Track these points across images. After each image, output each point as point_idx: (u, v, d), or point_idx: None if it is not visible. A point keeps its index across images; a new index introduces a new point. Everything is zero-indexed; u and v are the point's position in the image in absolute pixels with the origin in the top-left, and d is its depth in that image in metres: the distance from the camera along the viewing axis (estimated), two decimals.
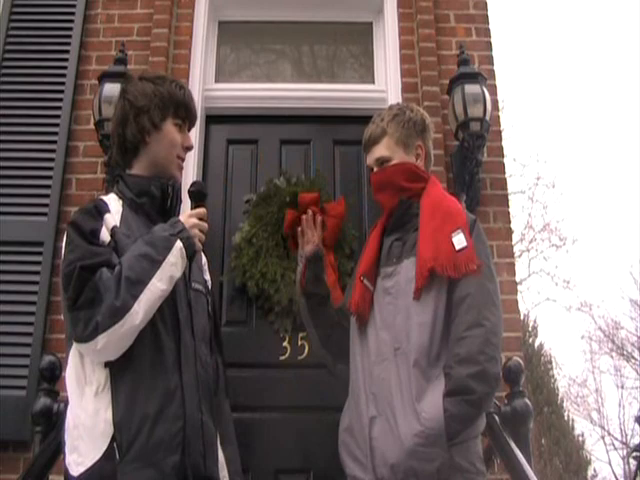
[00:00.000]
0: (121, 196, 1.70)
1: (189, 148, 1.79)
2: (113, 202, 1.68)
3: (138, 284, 1.46)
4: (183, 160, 1.79)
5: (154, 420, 1.45)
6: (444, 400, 1.68)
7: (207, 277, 1.84)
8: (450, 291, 1.79)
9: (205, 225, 1.65)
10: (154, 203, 1.69)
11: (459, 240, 1.81)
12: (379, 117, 2.04)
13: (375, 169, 2.01)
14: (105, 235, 1.56)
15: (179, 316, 1.58)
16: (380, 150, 2.00)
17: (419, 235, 1.86)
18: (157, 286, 1.48)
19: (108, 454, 1.42)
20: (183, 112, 1.75)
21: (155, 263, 1.49)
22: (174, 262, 1.52)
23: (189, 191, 1.71)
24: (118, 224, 1.60)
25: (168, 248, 1.52)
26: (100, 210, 1.61)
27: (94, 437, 1.44)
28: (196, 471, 1.50)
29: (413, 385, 1.72)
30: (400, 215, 1.96)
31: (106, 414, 1.44)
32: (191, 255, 1.59)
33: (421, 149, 2.04)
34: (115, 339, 1.44)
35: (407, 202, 1.96)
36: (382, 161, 1.99)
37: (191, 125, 1.82)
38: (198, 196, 1.70)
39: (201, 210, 1.67)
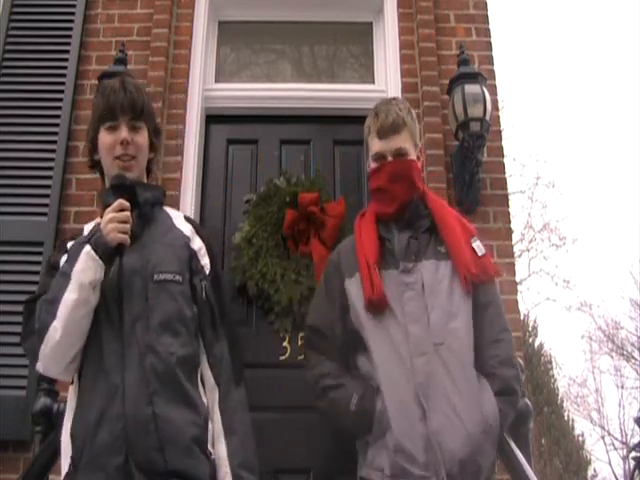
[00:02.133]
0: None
1: (123, 142, 1.73)
2: (90, 225, 1.77)
3: (54, 302, 1.55)
4: (127, 157, 1.74)
5: (95, 425, 1.50)
6: (497, 399, 1.74)
7: (204, 261, 1.78)
8: (474, 295, 1.86)
9: (122, 215, 1.60)
10: None
11: (478, 247, 1.90)
12: (395, 106, 1.98)
13: (389, 158, 1.95)
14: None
15: (124, 314, 1.59)
16: (402, 141, 1.95)
17: (448, 238, 1.89)
18: (70, 297, 1.53)
19: (70, 468, 1.53)
20: (107, 113, 1.74)
21: (67, 276, 1.56)
22: (81, 268, 1.55)
23: (110, 185, 1.70)
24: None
25: (76, 258, 1.57)
26: (64, 243, 1.75)
27: (65, 454, 1.56)
28: (150, 467, 1.49)
29: (471, 381, 1.75)
30: (413, 212, 1.95)
31: (69, 429, 1.56)
32: (106, 253, 1.56)
33: (421, 152, 2.04)
34: (48, 359, 1.57)
35: (417, 202, 1.97)
36: (402, 153, 1.94)
37: (134, 115, 1.75)
38: (116, 189, 1.67)
39: (117, 202, 1.62)
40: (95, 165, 1.83)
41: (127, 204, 1.62)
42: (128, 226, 1.60)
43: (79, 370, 1.60)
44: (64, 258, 1.66)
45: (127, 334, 1.57)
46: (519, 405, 2.11)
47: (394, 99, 2.08)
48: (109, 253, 1.57)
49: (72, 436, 1.53)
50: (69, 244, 1.71)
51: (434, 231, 1.93)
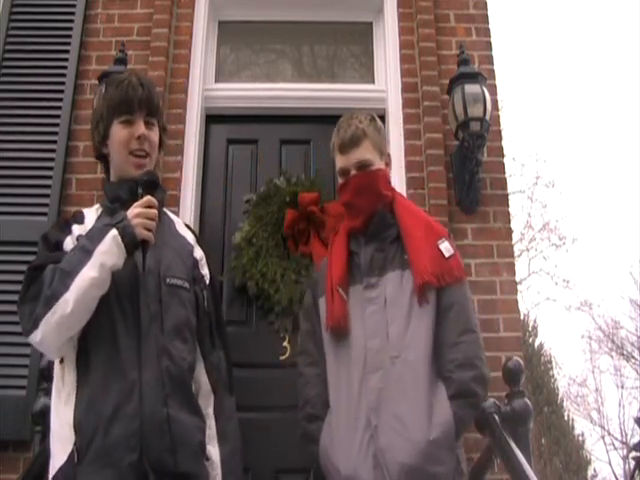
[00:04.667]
0: (101, 205, 1.77)
1: (140, 137, 1.72)
2: (92, 213, 1.74)
3: (70, 274, 1.50)
4: (142, 154, 1.73)
5: (109, 420, 1.47)
6: (451, 403, 1.71)
7: (205, 271, 1.82)
8: (437, 299, 1.82)
9: (151, 212, 1.60)
10: (126, 206, 1.66)
11: (446, 248, 1.86)
12: (355, 119, 1.98)
13: (353, 172, 1.94)
14: (69, 245, 1.63)
15: (141, 313, 1.58)
16: (362, 153, 1.94)
17: (408, 246, 1.87)
18: (87, 274, 1.50)
19: (70, 458, 1.47)
20: (124, 107, 1.73)
21: (87, 253, 1.53)
22: (105, 250, 1.53)
23: (140, 181, 1.68)
24: (81, 234, 1.65)
25: (100, 237, 1.54)
26: (68, 222, 1.69)
27: (62, 442, 1.50)
28: (161, 467, 1.49)
29: (422, 391, 1.73)
30: (377, 224, 1.94)
31: (69, 419, 1.50)
32: (131, 243, 1.56)
33: (389, 158, 2.03)
34: (50, 329, 1.50)
35: (383, 211, 1.95)
36: (364, 165, 1.94)
37: (149, 111, 1.75)
38: (146, 185, 1.67)
39: (146, 198, 1.62)
40: (100, 157, 1.81)
41: (155, 202, 1.62)
42: (154, 224, 1.60)
43: (83, 359, 1.56)
44: (69, 240, 1.64)
45: (144, 332, 1.57)
46: (518, 405, 2.11)
47: (356, 112, 2.04)
48: (133, 245, 1.56)
49: (77, 426, 1.48)
50: (74, 227, 1.67)
51: (401, 239, 1.91)
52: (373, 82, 3.40)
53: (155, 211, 1.61)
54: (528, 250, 15.35)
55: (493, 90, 3.11)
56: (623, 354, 16.93)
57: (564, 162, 28.40)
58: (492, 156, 3.06)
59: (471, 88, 2.90)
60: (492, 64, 3.25)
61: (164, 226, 1.76)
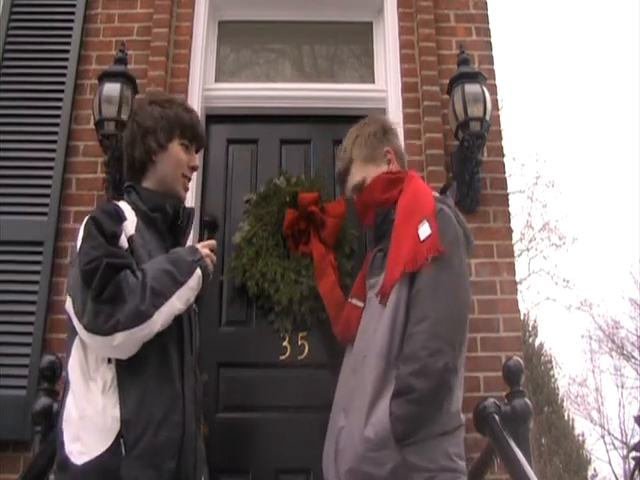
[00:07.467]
0: (134, 207, 1.75)
1: (194, 168, 1.87)
2: (127, 211, 1.73)
3: (161, 296, 1.56)
4: (189, 180, 1.87)
5: (159, 424, 1.53)
6: (390, 402, 1.68)
7: None
8: (409, 289, 1.79)
9: (214, 257, 1.77)
10: (166, 220, 1.77)
11: (424, 230, 1.81)
12: (342, 150, 2.10)
13: (355, 197, 2.07)
14: (123, 241, 1.63)
15: (183, 332, 1.68)
16: (352, 179, 2.06)
17: (391, 243, 1.89)
18: (175, 304, 1.59)
19: (113, 449, 1.49)
20: (189, 133, 1.84)
21: (177, 283, 1.61)
22: (192, 287, 1.65)
23: (204, 220, 1.81)
24: (133, 233, 1.67)
25: (190, 273, 1.65)
26: (120, 216, 1.67)
27: (100, 431, 1.51)
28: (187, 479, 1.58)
29: (369, 391, 1.72)
30: (379, 225, 1.99)
31: (113, 411, 1.52)
32: (203, 281, 1.71)
33: (390, 153, 2.05)
34: (132, 341, 1.52)
35: (382, 212, 1.98)
36: (358, 187, 2.04)
37: (198, 148, 1.91)
38: (211, 227, 1.84)
39: (213, 242, 1.81)
40: (143, 165, 1.80)
41: (215, 246, 1.82)
42: (212, 267, 1.78)
43: (131, 358, 1.57)
44: (123, 237, 1.62)
45: (186, 349, 1.68)
46: (518, 404, 2.11)
47: (349, 132, 2.16)
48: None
49: (127, 421, 1.50)
50: (125, 223, 1.66)
51: None
52: (373, 82, 3.39)
53: (215, 257, 1.78)
54: (528, 250, 15.38)
55: (493, 90, 3.11)
56: (623, 354, 16.93)
57: (564, 162, 28.41)
58: (492, 156, 3.06)
59: (471, 88, 2.90)
60: (492, 64, 3.24)
61: None
